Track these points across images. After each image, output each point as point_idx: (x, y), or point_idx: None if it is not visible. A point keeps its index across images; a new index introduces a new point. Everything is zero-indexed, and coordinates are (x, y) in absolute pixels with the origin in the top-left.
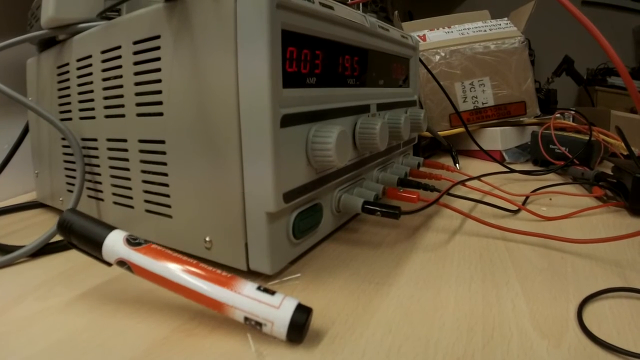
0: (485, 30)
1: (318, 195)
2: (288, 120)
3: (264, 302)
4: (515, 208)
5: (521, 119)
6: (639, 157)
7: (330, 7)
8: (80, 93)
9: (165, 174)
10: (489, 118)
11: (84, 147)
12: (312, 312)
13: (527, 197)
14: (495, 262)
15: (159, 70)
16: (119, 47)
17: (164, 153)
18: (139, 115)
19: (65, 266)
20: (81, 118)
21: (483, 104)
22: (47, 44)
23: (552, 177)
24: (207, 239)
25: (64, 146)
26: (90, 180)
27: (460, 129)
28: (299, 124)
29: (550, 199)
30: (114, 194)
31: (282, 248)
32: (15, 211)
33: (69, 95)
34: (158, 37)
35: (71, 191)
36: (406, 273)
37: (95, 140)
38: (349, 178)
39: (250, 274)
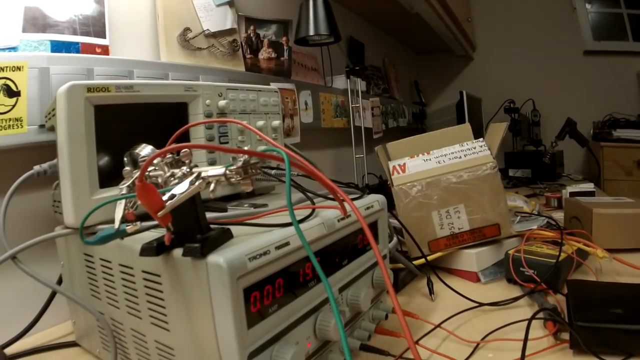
0: (460, 157)
1: None
2: (254, 354)
3: None
4: None
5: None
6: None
7: (286, 244)
8: (105, 285)
9: None
10: (465, 242)
11: (113, 325)
12: None
13: (477, 345)
14: None
15: (163, 299)
16: (132, 268)
17: (173, 356)
18: (152, 323)
19: None
20: (108, 303)
21: (459, 229)
22: None
23: (521, 304)
24: None
25: None
26: (120, 348)
27: (439, 254)
28: (263, 351)
29: None
30: None
31: None
32: (56, 349)
33: (96, 281)
34: (159, 275)
35: (106, 349)
36: None
37: (121, 324)
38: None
39: None
